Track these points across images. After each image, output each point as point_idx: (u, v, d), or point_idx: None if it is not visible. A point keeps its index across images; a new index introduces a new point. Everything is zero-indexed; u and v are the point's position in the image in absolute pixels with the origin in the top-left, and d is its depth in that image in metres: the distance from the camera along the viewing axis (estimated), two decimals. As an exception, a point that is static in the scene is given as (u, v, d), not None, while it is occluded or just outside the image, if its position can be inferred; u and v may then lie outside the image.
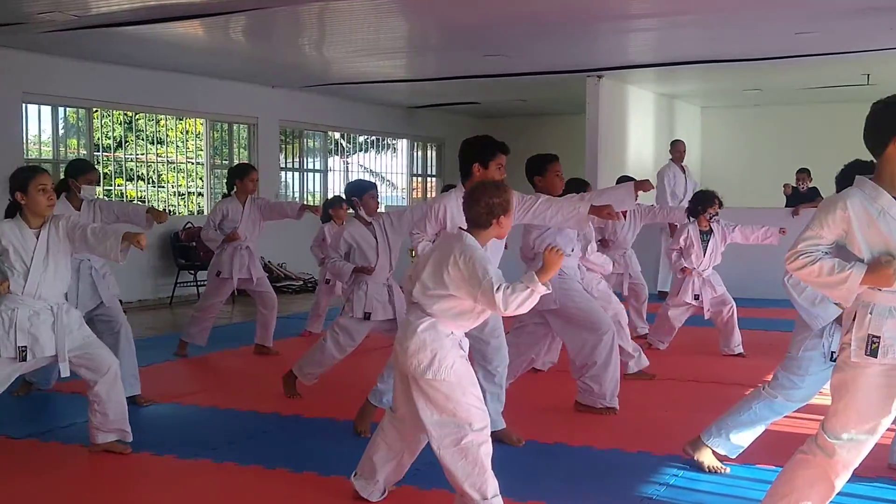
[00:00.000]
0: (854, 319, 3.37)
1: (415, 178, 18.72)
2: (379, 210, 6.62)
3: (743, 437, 4.76)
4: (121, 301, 6.86)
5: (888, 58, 11.47)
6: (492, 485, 3.96)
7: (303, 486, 4.64)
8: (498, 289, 3.74)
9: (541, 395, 6.59)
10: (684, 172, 12.41)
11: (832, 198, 3.47)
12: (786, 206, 12.49)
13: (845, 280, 3.28)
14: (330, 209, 9.53)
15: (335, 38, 10.49)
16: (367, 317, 6.35)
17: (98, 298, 6.43)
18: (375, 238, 6.44)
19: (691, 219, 8.05)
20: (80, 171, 6.59)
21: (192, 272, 12.44)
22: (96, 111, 12.05)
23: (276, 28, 9.88)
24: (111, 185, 12.64)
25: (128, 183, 12.91)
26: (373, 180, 17.57)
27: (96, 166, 12.06)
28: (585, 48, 11.29)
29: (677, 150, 12.48)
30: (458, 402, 3.94)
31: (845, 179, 3.74)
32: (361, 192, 6.50)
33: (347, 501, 4.39)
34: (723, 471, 4.77)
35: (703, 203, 7.94)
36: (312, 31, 10.22)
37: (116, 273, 11.73)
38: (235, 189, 8.48)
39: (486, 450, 3.96)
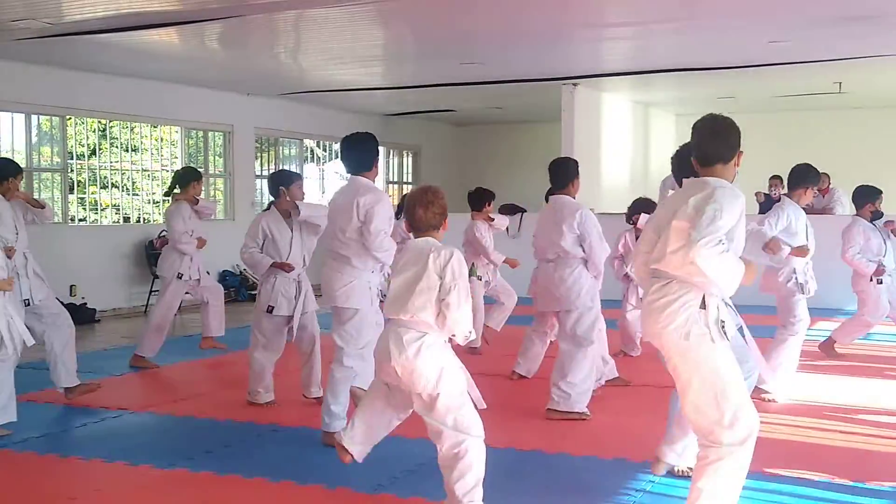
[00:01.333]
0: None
1: (391, 186, 18.71)
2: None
3: None
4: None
5: (860, 66, 11.60)
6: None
7: (281, 495, 4.63)
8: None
9: (518, 402, 6.60)
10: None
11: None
12: (759, 213, 12.60)
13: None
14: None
15: (311, 45, 10.48)
16: (269, 310, 6.28)
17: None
18: (291, 231, 6.38)
19: (628, 225, 8.09)
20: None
21: (168, 280, 12.34)
22: (70, 119, 11.96)
23: (252, 36, 9.86)
24: (84, 193, 12.55)
25: (102, 191, 12.81)
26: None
27: (69, 174, 11.99)
28: (561, 56, 11.35)
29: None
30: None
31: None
32: (290, 182, 6.45)
33: (325, 510, 4.39)
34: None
35: (637, 210, 7.95)
36: (288, 39, 10.20)
37: (91, 281, 11.70)
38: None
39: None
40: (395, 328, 4.09)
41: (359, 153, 5.51)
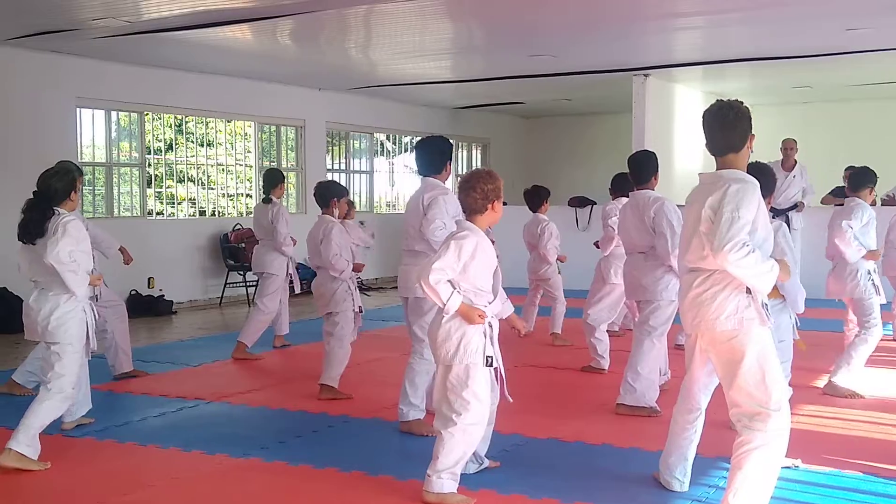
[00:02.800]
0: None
1: (460, 179, 18.72)
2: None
3: None
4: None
5: (942, 53, 11.25)
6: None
7: (351, 485, 4.69)
8: None
9: (588, 396, 6.58)
10: (791, 173, 11.67)
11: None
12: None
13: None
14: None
15: (381, 40, 10.55)
16: (360, 310, 6.98)
17: None
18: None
19: None
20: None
21: (241, 273, 12.59)
22: (147, 115, 12.25)
23: (323, 31, 9.97)
24: (161, 188, 12.84)
25: (178, 185, 13.10)
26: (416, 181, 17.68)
27: (147, 168, 12.29)
28: (631, 47, 11.23)
29: (784, 148, 11.79)
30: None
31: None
32: (342, 194, 7.14)
33: (395, 500, 4.44)
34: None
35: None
36: (358, 34, 10.29)
37: (168, 274, 11.97)
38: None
39: None
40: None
41: (430, 156, 5.66)
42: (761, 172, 4.51)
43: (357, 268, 7.14)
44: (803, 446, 5.21)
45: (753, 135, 4.05)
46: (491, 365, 4.36)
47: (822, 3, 8.71)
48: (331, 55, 11.42)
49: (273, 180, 8.65)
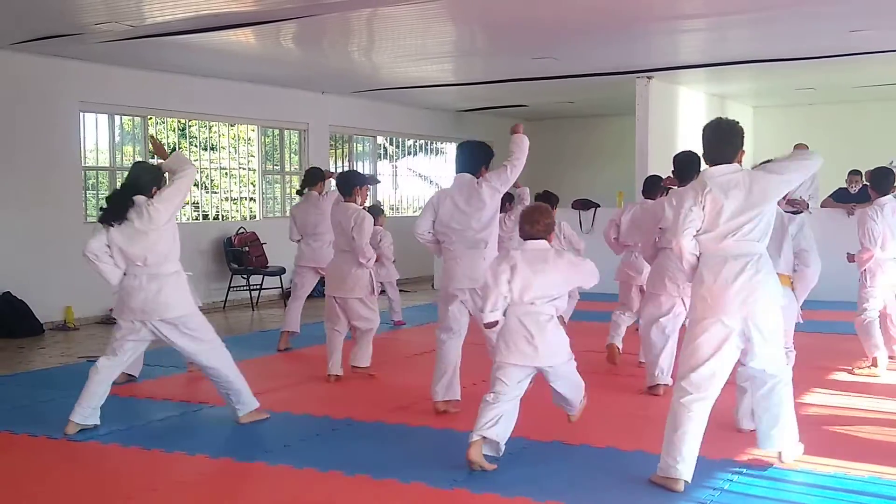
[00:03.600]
0: None
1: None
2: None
3: None
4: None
5: (946, 54, 11.23)
6: None
7: (356, 489, 4.68)
8: None
9: (590, 399, 6.56)
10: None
11: None
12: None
13: None
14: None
15: (384, 43, 10.56)
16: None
17: None
18: None
19: None
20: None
21: (245, 276, 12.59)
22: (151, 119, 12.26)
23: (326, 35, 9.98)
24: (165, 192, 12.82)
25: (181, 189, 13.10)
26: (424, 184, 17.68)
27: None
28: (634, 49, 11.23)
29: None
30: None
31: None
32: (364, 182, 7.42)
33: (400, 503, 4.44)
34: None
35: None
36: (361, 37, 10.29)
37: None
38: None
39: None
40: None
41: (471, 157, 6.16)
42: None
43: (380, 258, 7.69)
44: (810, 447, 5.21)
45: (744, 151, 4.74)
46: None
47: (825, 5, 8.70)
48: (334, 58, 11.43)
49: (313, 178, 8.96)
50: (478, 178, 6.05)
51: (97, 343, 9.62)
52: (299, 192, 9.15)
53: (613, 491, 4.63)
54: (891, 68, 12.70)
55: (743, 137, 4.73)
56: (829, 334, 8.98)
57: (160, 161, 6.15)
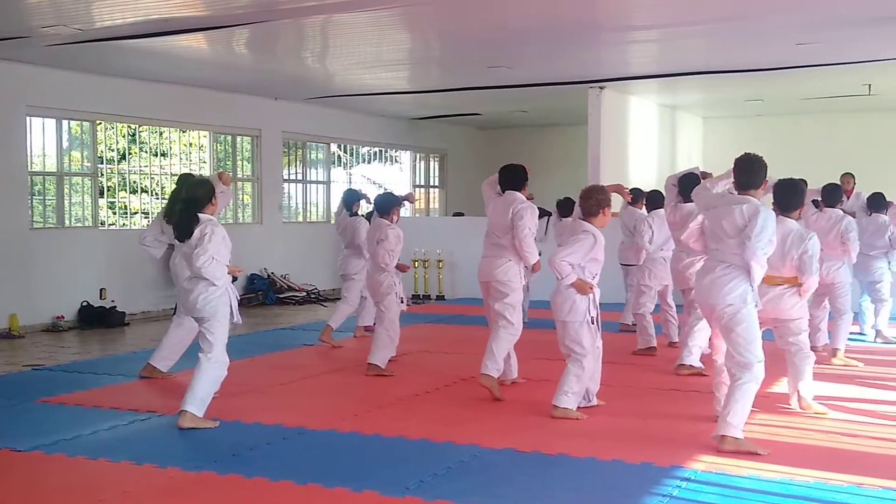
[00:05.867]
0: None
1: (417, 189, 18.75)
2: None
3: None
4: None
5: (889, 68, 11.48)
6: None
7: (307, 498, 4.65)
8: None
9: (543, 406, 6.59)
10: None
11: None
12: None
13: None
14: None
15: (338, 50, 10.53)
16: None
17: None
18: None
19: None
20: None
21: (196, 284, 12.43)
22: (100, 124, 12.08)
23: (279, 40, 9.92)
24: (115, 198, 12.67)
25: (131, 195, 12.94)
26: (379, 191, 17.65)
27: (99, 178, 12.12)
28: (587, 59, 11.33)
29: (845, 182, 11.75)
30: None
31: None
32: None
33: (351, 513, 4.41)
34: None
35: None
36: (315, 44, 10.26)
37: (121, 285, 11.80)
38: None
39: None
40: None
41: (515, 176, 7.02)
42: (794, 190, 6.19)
43: (402, 268, 8.24)
44: (756, 456, 5.27)
45: (767, 181, 5.72)
46: (594, 322, 6.11)
47: (774, 18, 8.86)
48: (287, 65, 11.38)
49: (353, 199, 9.72)
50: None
51: (43, 351, 9.45)
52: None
53: (566, 497, 4.65)
54: (836, 81, 12.97)
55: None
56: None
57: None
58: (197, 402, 6.09)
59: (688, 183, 7.27)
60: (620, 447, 5.50)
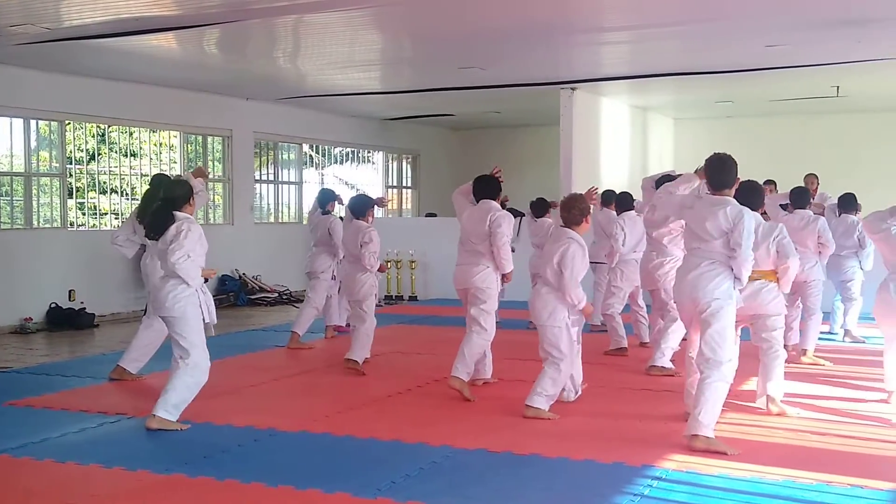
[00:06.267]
0: None
1: (390, 190, 18.73)
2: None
3: None
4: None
5: (856, 70, 11.62)
6: None
7: (278, 500, 4.62)
8: None
9: (515, 407, 6.61)
10: None
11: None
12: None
13: None
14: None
15: (309, 50, 10.49)
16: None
17: None
18: None
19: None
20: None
21: (166, 285, 12.34)
22: (69, 124, 11.96)
23: (251, 41, 9.87)
24: (84, 198, 12.54)
25: (101, 196, 12.81)
26: (351, 192, 17.62)
27: (68, 179, 12.00)
28: (559, 60, 11.37)
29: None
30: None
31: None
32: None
33: (323, 515, 4.39)
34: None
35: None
36: (287, 44, 10.21)
37: (90, 286, 11.68)
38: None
39: None
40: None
41: (489, 186, 7.12)
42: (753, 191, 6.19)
43: (381, 268, 8.38)
44: (726, 455, 5.31)
45: (739, 178, 5.73)
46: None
47: (743, 20, 8.93)
48: (258, 65, 11.32)
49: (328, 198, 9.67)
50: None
51: (10, 353, 9.34)
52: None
53: (538, 497, 4.66)
54: (805, 82, 13.10)
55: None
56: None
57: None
58: (168, 408, 5.98)
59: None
60: (592, 447, 5.52)
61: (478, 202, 7.12)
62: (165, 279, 6.13)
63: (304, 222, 15.95)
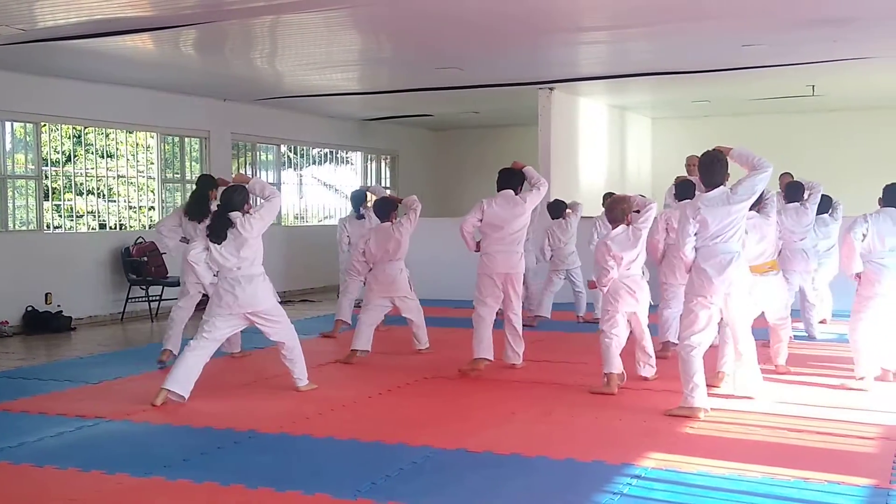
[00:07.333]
0: None
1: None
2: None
3: None
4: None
5: (832, 69, 11.71)
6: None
7: (259, 502, 4.61)
8: None
9: (495, 406, 6.62)
10: None
11: None
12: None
13: None
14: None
15: (287, 51, 10.45)
16: None
17: None
18: None
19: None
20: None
21: (144, 287, 12.28)
22: (44, 125, 11.86)
23: (228, 41, 9.82)
24: (60, 201, 12.45)
25: (78, 197, 12.72)
26: (329, 193, 17.59)
27: (44, 181, 11.91)
28: (537, 60, 11.38)
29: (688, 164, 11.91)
30: None
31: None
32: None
33: (303, 517, 4.38)
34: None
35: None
36: (264, 45, 10.17)
37: (68, 289, 11.59)
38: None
39: None
40: None
41: (512, 178, 8.00)
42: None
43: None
44: (707, 451, 5.34)
45: (729, 174, 6.26)
46: None
47: (720, 20, 8.98)
48: (236, 66, 11.27)
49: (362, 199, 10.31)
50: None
51: (-13, 357, 9.26)
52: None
53: (518, 497, 4.67)
54: (781, 82, 13.19)
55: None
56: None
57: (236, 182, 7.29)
58: (304, 377, 7.19)
59: (686, 187, 8.10)
60: (572, 446, 5.54)
61: (499, 191, 7.92)
62: (249, 277, 6.85)
63: (283, 224, 15.92)
